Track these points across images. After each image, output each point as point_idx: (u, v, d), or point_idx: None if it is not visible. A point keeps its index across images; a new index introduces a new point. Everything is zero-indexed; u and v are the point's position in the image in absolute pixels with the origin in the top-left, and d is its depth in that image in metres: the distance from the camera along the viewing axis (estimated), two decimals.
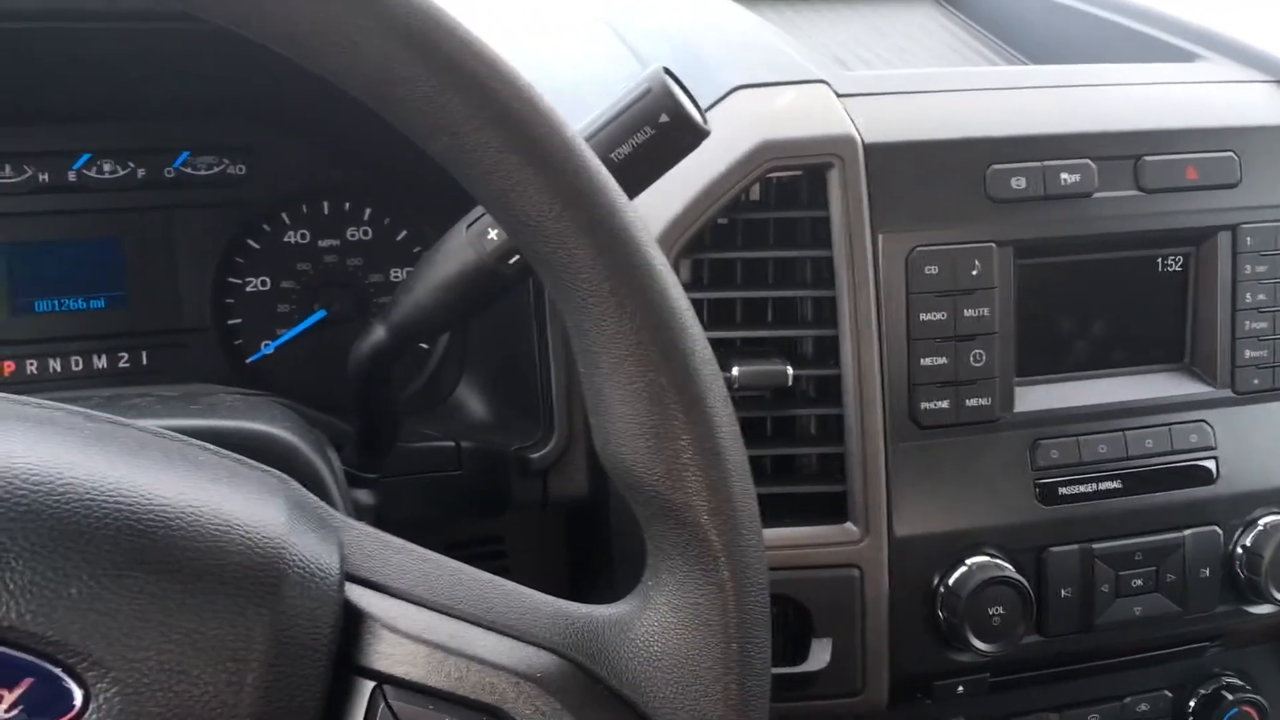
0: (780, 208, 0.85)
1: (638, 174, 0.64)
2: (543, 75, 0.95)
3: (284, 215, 0.96)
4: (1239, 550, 0.90)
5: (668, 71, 0.62)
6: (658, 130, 0.61)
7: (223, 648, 0.41)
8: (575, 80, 0.95)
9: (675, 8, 1.03)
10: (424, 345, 0.98)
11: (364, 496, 0.75)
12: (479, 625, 0.48)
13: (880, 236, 0.83)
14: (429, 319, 0.67)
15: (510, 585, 0.50)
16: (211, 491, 0.45)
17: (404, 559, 0.49)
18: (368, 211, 0.97)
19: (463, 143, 0.45)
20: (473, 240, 0.64)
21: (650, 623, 0.48)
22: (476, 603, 0.49)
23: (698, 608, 0.48)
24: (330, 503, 0.63)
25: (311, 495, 0.50)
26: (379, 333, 0.69)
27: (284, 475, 0.49)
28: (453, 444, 0.86)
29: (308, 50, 0.45)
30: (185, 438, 0.48)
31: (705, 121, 0.63)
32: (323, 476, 0.63)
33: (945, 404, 0.84)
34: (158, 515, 0.42)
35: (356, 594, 0.47)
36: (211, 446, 0.49)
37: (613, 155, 0.62)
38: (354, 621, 0.46)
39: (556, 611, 0.49)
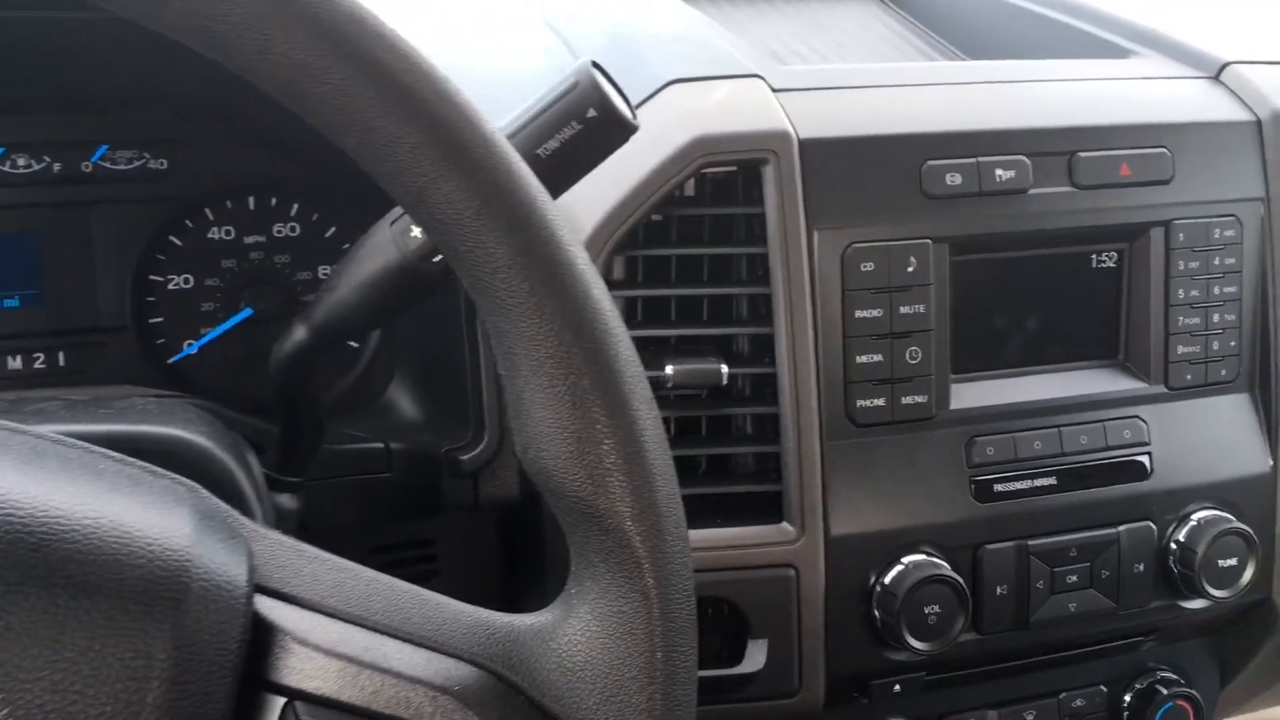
0: (715, 204, 0.84)
1: (566, 169, 0.62)
2: (476, 69, 0.94)
3: (208, 211, 0.93)
4: (1173, 545, 0.90)
5: (596, 65, 0.61)
6: (585, 125, 0.60)
7: (121, 666, 0.39)
8: (509, 74, 0.93)
9: (612, 1, 1.02)
10: (354, 344, 0.96)
11: (287, 501, 0.73)
12: (395, 636, 0.46)
13: (816, 233, 0.82)
14: (352, 318, 0.65)
15: (429, 594, 0.48)
16: (112, 502, 0.43)
17: (317, 569, 0.48)
18: (295, 207, 0.95)
19: (376, 138, 0.44)
20: (396, 237, 0.63)
21: (573, 632, 0.47)
22: (393, 613, 0.47)
23: (621, 616, 0.47)
24: (246, 509, 0.61)
25: (222, 504, 0.48)
26: (300, 332, 0.67)
27: (192, 483, 0.47)
28: (382, 445, 0.84)
29: (216, 41, 0.43)
30: (86, 445, 0.46)
31: (634, 116, 0.62)
32: (239, 482, 0.61)
33: (881, 401, 0.84)
34: (52, 528, 0.40)
35: (266, 606, 0.45)
36: (115, 454, 0.47)
37: (539, 150, 0.60)
38: (264, 635, 0.44)
39: (476, 621, 0.48)
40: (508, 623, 0.48)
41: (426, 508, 0.85)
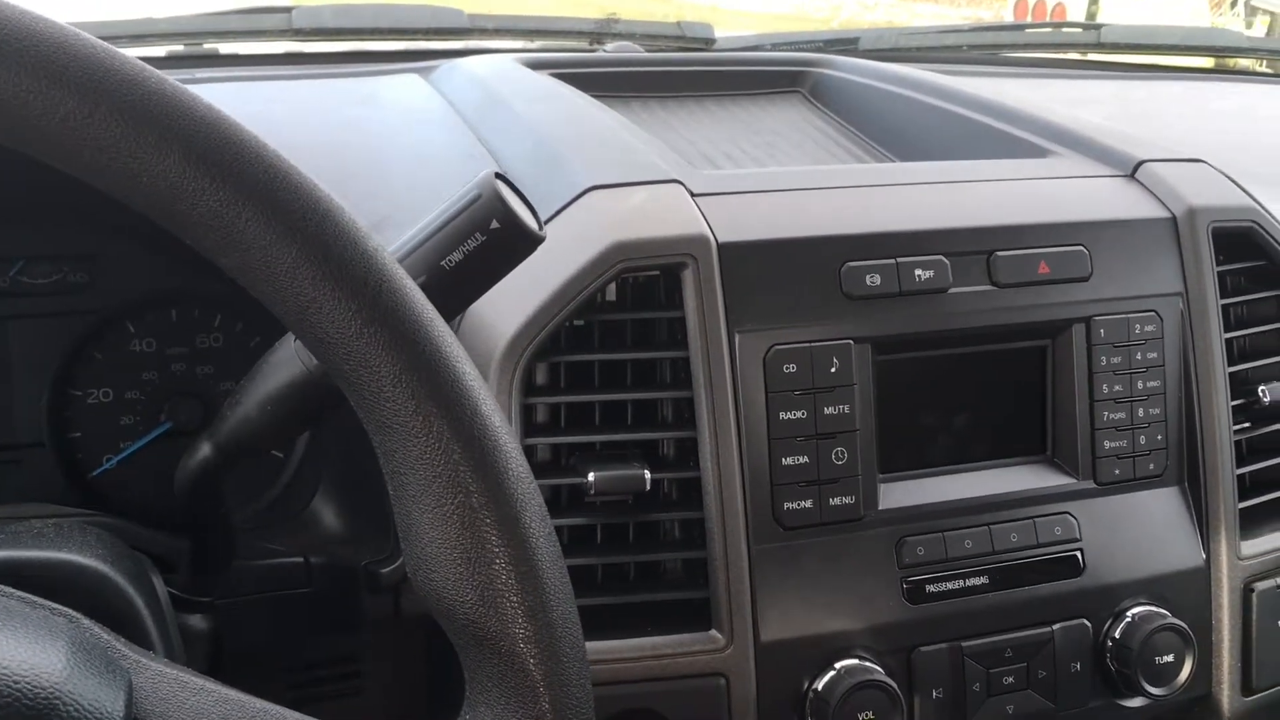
0: (636, 308, 0.84)
1: (473, 280, 0.62)
2: (395, 179, 0.94)
3: (129, 323, 0.92)
4: (1109, 643, 0.89)
5: (500, 176, 0.61)
6: (489, 236, 0.60)
7: None
8: (429, 180, 0.94)
9: (534, 106, 1.03)
10: (278, 454, 0.94)
11: (197, 621, 0.71)
12: None
13: (737, 336, 0.82)
14: (257, 434, 0.64)
15: None
16: None
17: (201, 700, 0.46)
18: (218, 318, 0.94)
19: (253, 259, 0.43)
20: (299, 352, 0.62)
21: None
22: None
23: None
24: (143, 635, 0.59)
25: (104, 634, 0.46)
26: (205, 449, 0.66)
27: (72, 613, 0.46)
28: (301, 560, 0.82)
29: (86, 165, 0.43)
30: None
31: (540, 227, 0.62)
32: (136, 606, 0.59)
33: (808, 503, 0.83)
34: None
35: None
36: None
37: (444, 262, 0.60)
38: None
39: None
40: None
41: (347, 623, 0.83)
